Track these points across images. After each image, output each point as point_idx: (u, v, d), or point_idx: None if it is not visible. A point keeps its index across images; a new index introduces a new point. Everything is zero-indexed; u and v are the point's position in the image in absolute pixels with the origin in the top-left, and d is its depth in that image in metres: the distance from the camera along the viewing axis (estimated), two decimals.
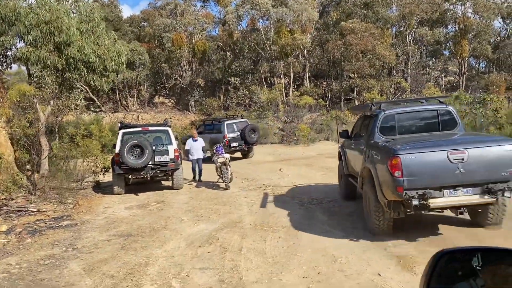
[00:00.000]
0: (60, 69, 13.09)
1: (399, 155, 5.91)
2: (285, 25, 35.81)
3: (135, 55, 35.46)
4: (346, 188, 9.37)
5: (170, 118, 33.01)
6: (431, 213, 6.58)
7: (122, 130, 12.39)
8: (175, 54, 38.16)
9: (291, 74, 37.31)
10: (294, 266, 5.83)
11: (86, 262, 6.48)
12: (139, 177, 12.23)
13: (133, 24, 45.03)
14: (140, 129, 12.92)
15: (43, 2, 12.37)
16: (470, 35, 36.56)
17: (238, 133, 18.75)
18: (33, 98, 14.35)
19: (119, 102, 39.18)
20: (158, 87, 42.73)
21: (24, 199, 11.08)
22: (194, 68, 40.83)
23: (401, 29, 39.02)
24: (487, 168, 5.90)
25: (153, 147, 11.86)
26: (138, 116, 35.75)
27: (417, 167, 5.91)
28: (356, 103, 32.48)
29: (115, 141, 12.59)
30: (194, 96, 39.04)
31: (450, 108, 7.71)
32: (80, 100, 22.63)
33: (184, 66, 39.94)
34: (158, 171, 12.22)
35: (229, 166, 12.32)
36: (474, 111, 14.23)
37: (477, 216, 6.78)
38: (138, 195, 12.07)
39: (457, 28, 37.88)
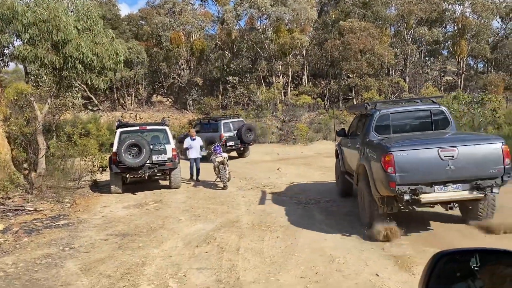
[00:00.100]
0: (57, 67, 13.02)
1: (392, 152, 6.15)
2: (283, 24, 35.75)
3: (133, 54, 35.33)
4: (343, 185, 9.65)
5: (168, 117, 32.95)
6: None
7: (120, 129, 12.35)
8: (173, 52, 38.04)
9: (290, 73, 37.25)
10: (291, 266, 5.82)
11: (83, 261, 6.45)
12: (137, 176, 12.20)
13: (131, 23, 44.86)
14: (137, 128, 12.88)
15: (40, 0, 12.31)
16: (469, 35, 36.55)
17: (235, 132, 18.83)
18: (31, 97, 14.29)
19: (117, 101, 39.05)
20: (156, 86, 42.61)
21: (21, 198, 11.03)
22: (192, 67, 40.73)
23: (399, 28, 38.97)
24: (476, 165, 6.15)
25: (151, 146, 11.82)
26: (136, 115, 35.65)
27: (409, 164, 6.14)
28: (355, 103, 32.44)
29: (113, 140, 12.54)
30: (192, 95, 38.95)
31: (443, 108, 8.00)
32: (78, 98, 22.58)
33: (182, 65, 39.83)
34: (156, 170, 12.19)
35: (227, 166, 12.30)
36: (472, 111, 14.22)
37: (467, 212, 7.02)
38: (135, 194, 12.04)
39: (455, 28, 37.86)
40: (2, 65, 13.97)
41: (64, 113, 19.82)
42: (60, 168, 14.09)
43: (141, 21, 45.23)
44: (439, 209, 7.16)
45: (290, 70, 36.80)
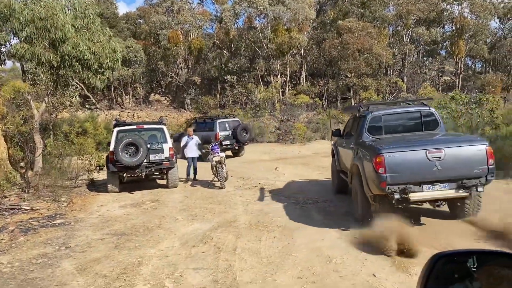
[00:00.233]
0: (54, 66, 12.96)
1: (382, 154, 6.48)
2: (282, 23, 35.75)
3: (130, 53, 35.29)
4: (338, 183, 9.95)
5: (166, 116, 32.90)
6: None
7: (117, 128, 12.30)
8: (171, 51, 38.00)
9: (288, 73, 37.25)
10: (288, 267, 5.80)
11: (79, 261, 6.41)
12: (134, 175, 12.16)
13: (129, 21, 44.80)
14: (135, 127, 12.83)
15: None
16: (467, 35, 36.62)
17: (230, 131, 18.97)
18: (27, 95, 14.23)
19: (114, 100, 39.00)
20: (154, 85, 42.56)
21: (17, 197, 10.99)
22: (190, 66, 40.70)
23: (398, 28, 39.03)
24: (462, 165, 6.49)
25: (148, 145, 11.78)
26: (133, 114, 35.58)
27: (399, 165, 6.48)
28: (353, 102, 32.49)
29: (110, 139, 12.50)
30: (190, 94, 38.91)
31: (433, 110, 8.33)
32: (75, 97, 22.50)
33: (180, 64, 39.80)
34: (153, 170, 12.15)
35: (225, 165, 12.27)
36: (470, 111, 14.20)
37: (455, 209, 7.41)
38: (132, 193, 11.99)
39: (453, 28, 37.93)
40: None
41: (62, 111, 19.71)
42: (57, 167, 14.04)
43: (139, 20, 45.19)
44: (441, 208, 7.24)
45: (288, 69, 36.80)
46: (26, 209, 9.80)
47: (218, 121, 19.21)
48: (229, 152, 19.46)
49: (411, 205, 7.33)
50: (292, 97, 34.80)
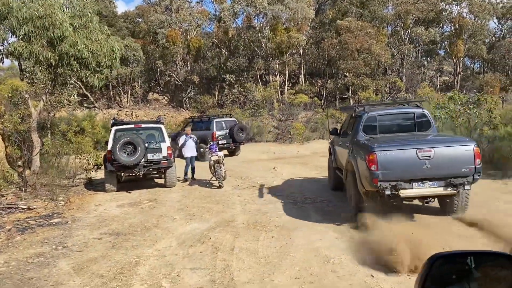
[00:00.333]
0: (52, 64, 12.93)
1: (375, 152, 6.81)
2: (281, 22, 35.72)
3: (129, 51, 35.22)
4: (334, 180, 10.32)
5: (164, 115, 32.84)
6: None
7: (115, 127, 12.25)
8: (169, 50, 37.92)
9: (286, 72, 37.23)
10: (286, 267, 5.78)
11: (75, 261, 6.38)
12: (132, 174, 12.13)
13: (127, 20, 44.69)
14: (133, 126, 12.79)
15: None
16: (466, 35, 36.62)
17: (227, 131, 19.08)
18: (25, 94, 14.18)
19: (112, 99, 38.91)
20: (152, 84, 42.47)
21: (14, 196, 10.96)
22: (188, 65, 40.63)
23: (396, 28, 39.01)
24: (450, 164, 6.82)
25: (146, 145, 11.74)
26: (131, 113, 35.52)
27: (390, 163, 6.80)
28: (351, 102, 32.48)
29: (108, 138, 12.47)
30: (189, 93, 38.84)
31: (425, 111, 8.67)
32: (73, 96, 22.43)
33: (178, 63, 39.73)
34: (151, 169, 12.12)
35: (223, 164, 12.25)
36: (468, 111, 14.19)
37: (445, 205, 7.75)
38: (130, 192, 11.96)
39: (452, 28, 37.93)
40: None
41: (59, 110, 19.64)
42: (55, 166, 14.00)
43: (137, 19, 45.12)
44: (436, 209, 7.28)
45: (287, 69, 36.78)
46: (23, 208, 9.77)
47: (215, 120, 19.32)
48: (225, 152, 19.51)
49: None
50: (290, 97, 34.77)
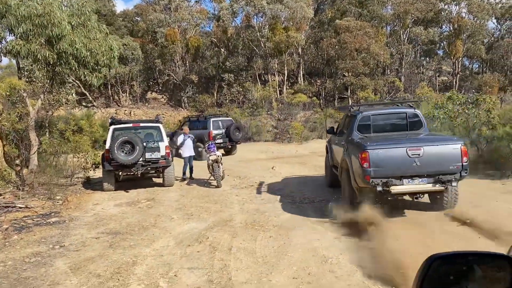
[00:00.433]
0: (51, 63, 12.89)
1: (367, 150, 7.13)
2: (280, 22, 35.67)
3: (127, 50, 35.16)
4: (331, 177, 10.62)
5: (163, 114, 32.78)
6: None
7: (113, 126, 12.22)
8: (168, 49, 37.85)
9: (285, 72, 37.19)
10: (284, 267, 5.77)
11: (72, 260, 6.36)
12: (130, 173, 12.10)
13: (126, 19, 44.62)
14: (131, 125, 12.76)
15: None
16: (464, 35, 36.64)
17: (223, 130, 19.21)
18: (23, 92, 14.14)
19: (111, 97, 38.85)
20: (151, 83, 42.41)
21: (12, 195, 10.91)
22: (187, 64, 40.58)
23: (395, 28, 39.02)
24: (438, 162, 7.13)
25: (144, 144, 11.71)
26: (130, 112, 35.45)
27: (382, 160, 7.12)
28: (350, 102, 32.47)
29: (106, 137, 12.43)
30: (187, 92, 38.78)
31: (417, 112, 9.05)
32: (72, 95, 22.35)
33: (177, 62, 39.67)
34: (149, 168, 12.08)
35: (221, 164, 12.23)
36: (467, 111, 14.18)
37: (435, 201, 8.08)
38: (128, 192, 11.93)
39: (451, 28, 37.95)
40: None
41: (58, 109, 19.59)
42: (53, 165, 13.95)
43: (136, 18, 45.06)
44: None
45: (285, 68, 36.75)
46: (20, 207, 9.73)
47: (212, 119, 19.47)
48: (221, 151, 19.58)
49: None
50: (289, 96, 34.76)
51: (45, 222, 8.80)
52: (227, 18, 37.12)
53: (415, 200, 7.96)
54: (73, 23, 12.85)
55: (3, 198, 10.51)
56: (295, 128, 26.32)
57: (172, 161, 12.40)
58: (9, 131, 13.26)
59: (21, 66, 19.55)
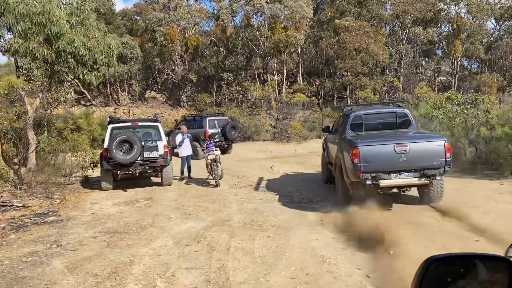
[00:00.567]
0: (49, 61, 12.86)
1: (358, 147, 7.65)
2: (279, 21, 35.65)
3: (126, 49, 35.13)
4: (327, 173, 11.08)
5: (161, 114, 32.76)
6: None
7: (111, 125, 12.21)
8: (167, 48, 37.81)
9: (284, 71, 37.17)
10: (282, 267, 5.75)
11: (70, 260, 6.33)
12: (128, 173, 12.07)
13: (125, 18, 44.57)
14: (129, 124, 12.74)
15: None
16: (463, 35, 36.65)
17: (219, 129, 19.33)
18: (21, 91, 14.10)
19: (110, 96, 38.80)
20: (150, 82, 42.37)
21: (9, 194, 10.87)
22: (186, 63, 40.54)
23: (394, 28, 39.02)
24: (424, 158, 7.64)
25: (142, 143, 11.69)
26: (129, 111, 35.39)
27: (371, 156, 7.63)
28: (349, 102, 32.48)
29: (105, 136, 12.40)
30: (186, 91, 38.74)
31: (406, 111, 9.58)
32: (70, 93, 22.35)
33: (176, 61, 39.62)
34: (147, 167, 12.06)
35: (220, 163, 12.20)
36: (465, 111, 14.18)
37: (423, 194, 8.60)
38: (126, 191, 11.91)
39: (450, 28, 37.95)
40: None
41: (56, 108, 19.55)
42: (51, 164, 13.92)
43: (135, 16, 44.99)
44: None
45: (285, 68, 36.73)
46: (18, 206, 9.70)
47: (208, 119, 19.65)
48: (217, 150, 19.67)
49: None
50: (288, 96, 34.75)
51: (42, 221, 8.77)
52: (226, 17, 37.08)
53: (403, 193, 8.60)
54: (72, 22, 12.82)
55: (1, 197, 10.47)
56: (294, 128, 26.32)
57: (171, 160, 12.38)
58: (7, 129, 13.22)
59: (19, 64, 19.50)
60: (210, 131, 18.74)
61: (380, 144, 7.83)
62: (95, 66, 13.64)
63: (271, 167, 15.05)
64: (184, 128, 14.14)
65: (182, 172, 13.35)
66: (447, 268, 2.04)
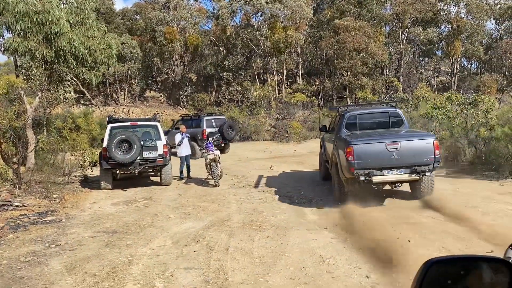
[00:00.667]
0: (49, 60, 12.84)
1: (352, 145, 8.06)
2: (279, 21, 35.58)
3: (126, 48, 35.08)
4: (324, 170, 11.48)
5: (161, 113, 32.73)
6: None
7: (111, 125, 12.19)
8: (167, 48, 37.75)
9: (284, 71, 37.11)
10: (281, 267, 5.74)
11: (68, 259, 6.32)
12: (127, 172, 12.06)
13: (125, 17, 44.52)
14: (128, 123, 12.72)
15: None
16: (463, 35, 36.59)
17: (216, 129, 19.40)
18: (20, 90, 14.08)
19: (109, 96, 38.75)
20: (150, 81, 42.31)
21: (8, 193, 10.84)
22: (186, 63, 40.48)
23: (394, 28, 38.95)
24: (414, 155, 8.06)
25: (142, 142, 11.67)
26: (128, 110, 35.33)
27: (364, 154, 8.03)
28: (349, 102, 32.44)
29: (104, 135, 12.39)
30: (186, 91, 38.70)
31: (399, 111, 10.02)
32: (70, 93, 22.30)
33: (176, 61, 39.56)
34: (146, 167, 12.05)
35: (219, 163, 12.18)
36: (465, 112, 14.18)
37: (415, 190, 9.07)
38: (125, 190, 11.89)
39: (450, 29, 37.89)
40: None
41: (56, 107, 19.53)
42: (50, 163, 13.91)
43: (135, 16, 44.93)
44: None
45: (284, 67, 36.69)
46: (17, 206, 9.68)
47: (205, 118, 19.75)
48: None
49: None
50: (288, 96, 34.71)
51: (41, 220, 8.76)
52: (226, 17, 37.01)
53: (394, 188, 9.00)
54: (71, 21, 12.81)
55: (0, 196, 10.45)
56: (294, 128, 26.30)
57: (170, 159, 12.36)
58: (6, 128, 13.21)
59: (19, 63, 19.53)
60: (208, 130, 18.80)
61: (373, 143, 8.21)
62: (94, 66, 13.63)
63: (270, 167, 15.04)
64: (183, 127, 14.12)
65: (181, 172, 13.33)
66: (446, 270, 2.03)
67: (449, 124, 14.43)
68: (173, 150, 14.04)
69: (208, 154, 12.05)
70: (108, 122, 12.40)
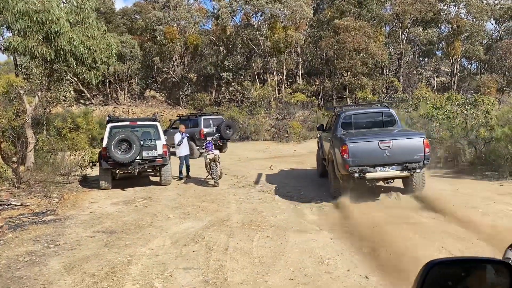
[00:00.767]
0: (48, 60, 12.82)
1: (347, 143, 8.49)
2: (279, 21, 35.56)
3: (126, 48, 35.07)
4: (321, 168, 11.90)
5: (161, 113, 32.71)
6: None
7: (110, 124, 12.17)
8: (167, 47, 37.73)
9: (284, 71, 37.10)
10: (280, 267, 5.73)
11: (67, 259, 6.30)
12: (127, 172, 12.04)
13: (125, 17, 44.51)
14: (128, 123, 12.70)
15: None
16: (463, 36, 36.58)
17: (214, 128, 19.48)
18: (20, 90, 14.06)
19: (109, 95, 38.74)
20: (149, 81, 42.29)
21: (8, 192, 10.83)
22: (186, 63, 40.46)
23: (394, 28, 38.93)
24: (405, 153, 8.50)
25: (141, 142, 11.66)
26: (128, 110, 35.33)
27: (359, 152, 8.47)
28: (348, 102, 32.43)
29: (104, 135, 12.37)
30: (186, 90, 38.69)
31: (392, 111, 10.48)
32: (69, 92, 22.28)
33: (176, 60, 39.55)
34: (146, 167, 12.03)
35: (219, 163, 12.17)
36: (465, 112, 14.16)
37: (407, 185, 9.45)
38: (125, 190, 11.87)
39: (450, 29, 37.87)
40: None
41: (55, 106, 19.51)
42: (49, 162, 13.88)
43: (135, 15, 44.92)
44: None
45: (284, 67, 36.67)
46: (16, 205, 9.66)
47: (203, 117, 19.86)
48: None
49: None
50: (288, 96, 34.70)
51: (40, 220, 8.74)
52: (226, 17, 36.99)
53: (386, 184, 9.50)
54: (71, 20, 12.79)
55: None
56: (294, 128, 26.30)
57: (169, 159, 12.35)
58: (6, 128, 13.18)
59: (18, 63, 19.50)
60: (205, 130, 18.81)
61: (366, 141, 8.66)
62: (94, 65, 13.62)
63: (270, 167, 15.03)
64: (182, 127, 14.10)
65: (180, 172, 13.32)
66: (447, 272, 2.03)
67: (449, 124, 14.41)
68: (171, 149, 14.01)
69: (207, 154, 12.03)
70: (108, 122, 12.39)
